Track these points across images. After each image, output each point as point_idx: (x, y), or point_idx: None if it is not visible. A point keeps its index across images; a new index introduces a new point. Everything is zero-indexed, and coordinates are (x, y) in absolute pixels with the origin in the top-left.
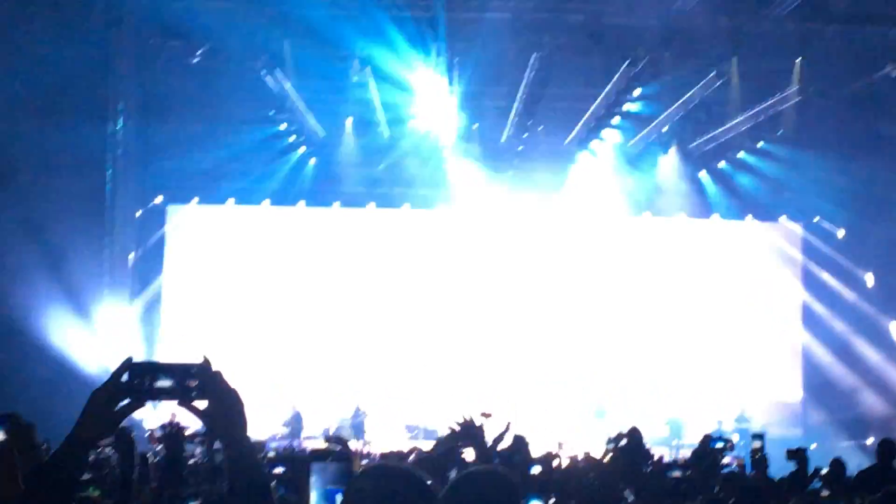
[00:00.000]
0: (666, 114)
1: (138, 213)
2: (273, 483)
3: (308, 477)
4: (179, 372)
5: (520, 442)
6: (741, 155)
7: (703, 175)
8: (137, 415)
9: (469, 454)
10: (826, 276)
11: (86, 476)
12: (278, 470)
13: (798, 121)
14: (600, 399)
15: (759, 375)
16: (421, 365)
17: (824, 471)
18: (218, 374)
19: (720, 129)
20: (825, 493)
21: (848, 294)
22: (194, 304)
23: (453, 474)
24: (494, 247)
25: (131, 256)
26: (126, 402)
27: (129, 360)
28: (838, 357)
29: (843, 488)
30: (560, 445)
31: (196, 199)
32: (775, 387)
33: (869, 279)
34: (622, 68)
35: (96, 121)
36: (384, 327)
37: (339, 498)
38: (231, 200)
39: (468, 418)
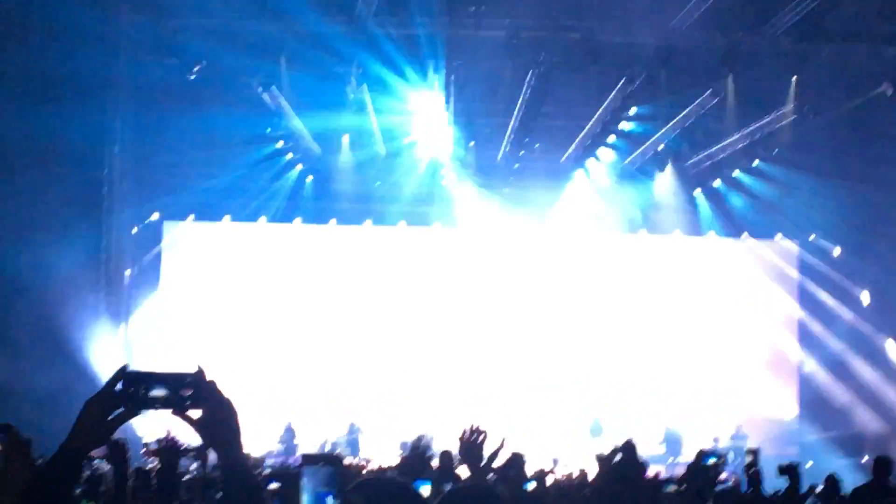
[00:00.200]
0: (662, 132)
1: (135, 230)
2: (268, 496)
3: (299, 483)
4: (173, 381)
5: (516, 459)
6: (737, 173)
7: (699, 193)
8: (134, 428)
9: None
10: (822, 294)
11: (80, 489)
12: (273, 486)
13: (794, 139)
14: (597, 415)
15: (755, 393)
16: (417, 381)
17: (819, 488)
18: (212, 383)
19: (716, 148)
20: None
21: (844, 312)
22: (190, 321)
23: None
24: (491, 264)
25: (127, 273)
26: (120, 411)
27: (123, 368)
28: (834, 375)
29: None
30: (555, 462)
31: (192, 217)
32: (771, 404)
33: (865, 297)
34: (618, 86)
35: (93, 137)
36: (380, 344)
37: (329, 500)
38: (227, 217)
39: (471, 433)
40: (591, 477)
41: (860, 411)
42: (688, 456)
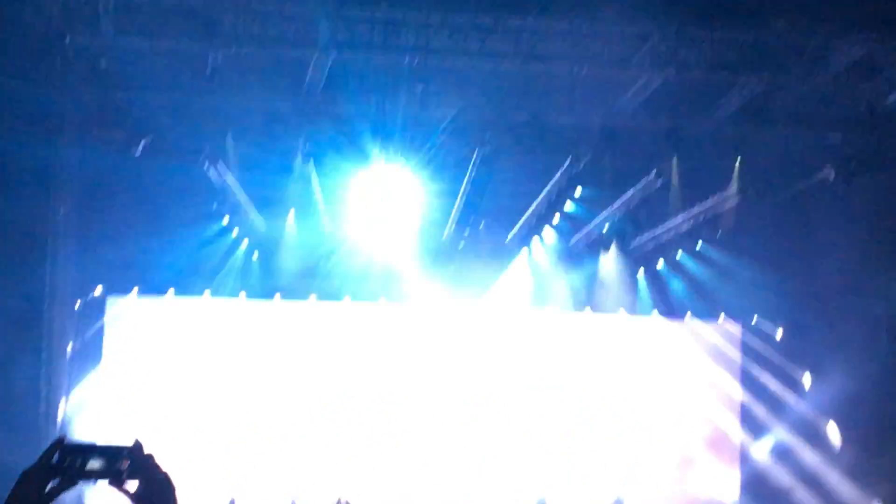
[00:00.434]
0: (606, 212)
1: (77, 305)
2: None
3: None
4: (111, 453)
5: None
6: (681, 254)
7: (643, 274)
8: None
9: None
10: (765, 377)
11: None
12: None
13: (737, 221)
14: (542, 494)
15: (696, 475)
16: (361, 460)
17: None
18: (150, 456)
19: (660, 229)
20: None
21: (786, 395)
22: (132, 396)
23: None
24: (436, 341)
25: (69, 347)
26: (56, 482)
27: (59, 439)
28: (776, 458)
29: None
30: None
31: (136, 291)
32: (713, 487)
33: (806, 380)
34: (564, 167)
35: (36, 210)
36: (325, 422)
37: None
38: (171, 292)
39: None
40: None
41: (802, 494)
42: None
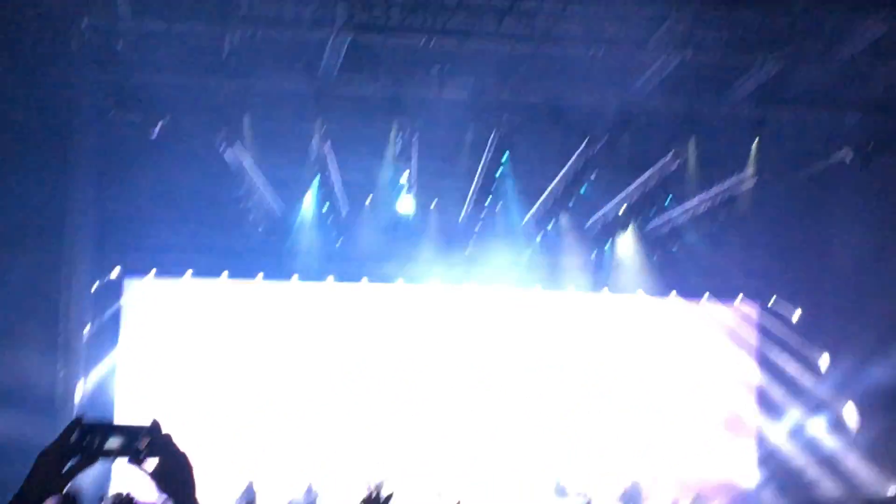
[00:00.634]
0: (623, 194)
1: (94, 287)
2: None
3: None
4: (129, 432)
5: None
6: (698, 235)
7: (660, 254)
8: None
9: None
10: (782, 359)
11: None
12: None
13: (754, 203)
14: (560, 477)
15: (714, 458)
16: (379, 440)
17: None
18: (168, 436)
19: (677, 211)
20: None
21: (803, 376)
22: (150, 377)
23: None
24: (455, 321)
25: (87, 330)
26: (75, 461)
27: (78, 419)
28: (793, 440)
29: None
30: None
31: (153, 273)
32: (730, 469)
33: (824, 361)
34: (580, 149)
35: (54, 193)
36: (343, 401)
37: None
38: (189, 273)
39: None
40: None
41: (818, 477)
42: None
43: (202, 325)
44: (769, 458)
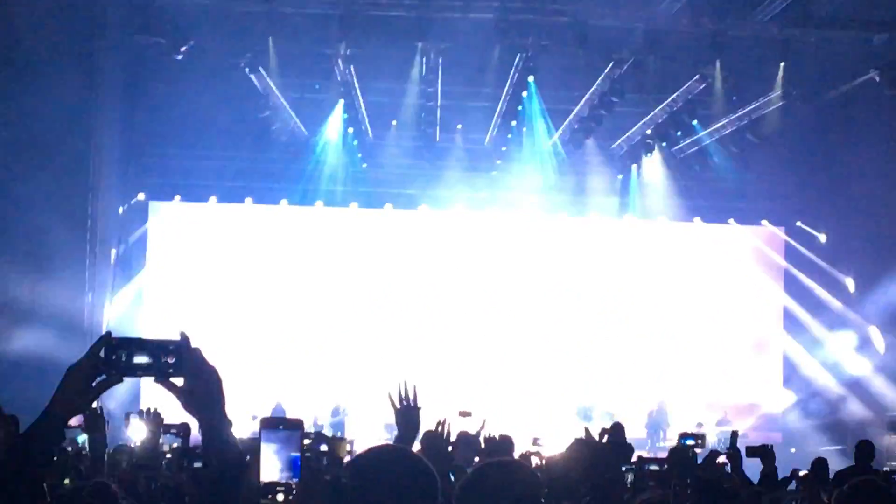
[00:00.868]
0: (649, 116)
1: (121, 210)
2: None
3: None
4: (157, 348)
5: (505, 442)
6: (724, 158)
7: (686, 178)
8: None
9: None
10: (808, 281)
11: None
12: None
13: (781, 125)
14: (584, 400)
15: (739, 380)
16: (402, 363)
17: (802, 472)
18: (196, 350)
19: (703, 133)
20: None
21: (829, 299)
22: (176, 301)
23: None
24: (478, 247)
25: (113, 252)
26: (103, 377)
27: (106, 335)
28: (819, 362)
29: (824, 488)
30: (535, 441)
31: (178, 197)
32: (756, 391)
33: (850, 284)
34: (606, 70)
35: (79, 115)
36: (366, 325)
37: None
38: (213, 199)
39: (438, 425)
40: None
41: (844, 398)
42: (671, 440)
43: (227, 250)
44: (795, 380)
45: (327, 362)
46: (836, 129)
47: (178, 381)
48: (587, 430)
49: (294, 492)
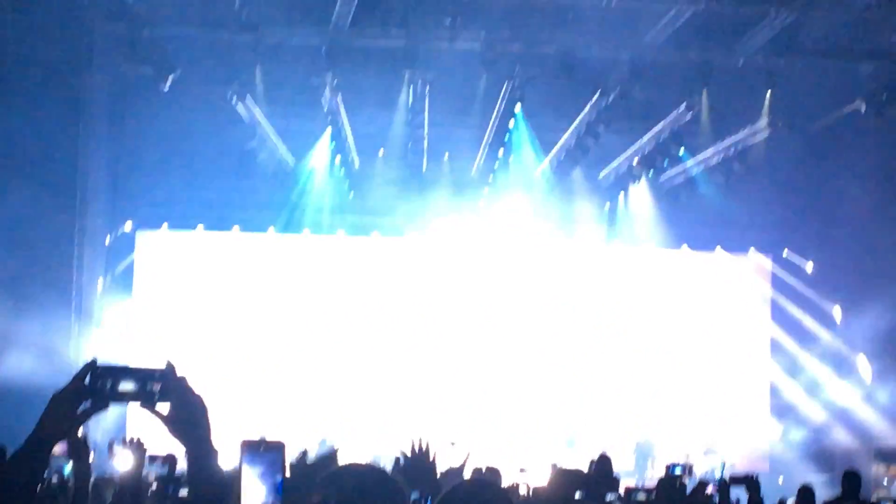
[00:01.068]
0: (636, 145)
1: (108, 239)
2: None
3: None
4: (142, 375)
5: (492, 474)
6: (710, 187)
7: (673, 206)
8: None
9: None
10: (795, 310)
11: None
12: None
13: (767, 154)
14: (571, 429)
15: (726, 409)
16: (388, 393)
17: (790, 501)
18: (182, 379)
19: (690, 162)
20: None
21: (816, 327)
22: (163, 330)
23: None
24: (465, 275)
25: (100, 283)
26: (88, 404)
27: (92, 362)
28: (806, 391)
29: None
30: (521, 471)
31: (166, 226)
32: (742, 420)
33: (837, 313)
34: (593, 100)
35: (66, 147)
36: (352, 355)
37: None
38: (201, 227)
39: (419, 447)
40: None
41: (831, 428)
42: (658, 470)
43: (214, 278)
44: (781, 409)
45: (313, 391)
46: (822, 157)
47: (164, 409)
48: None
49: None
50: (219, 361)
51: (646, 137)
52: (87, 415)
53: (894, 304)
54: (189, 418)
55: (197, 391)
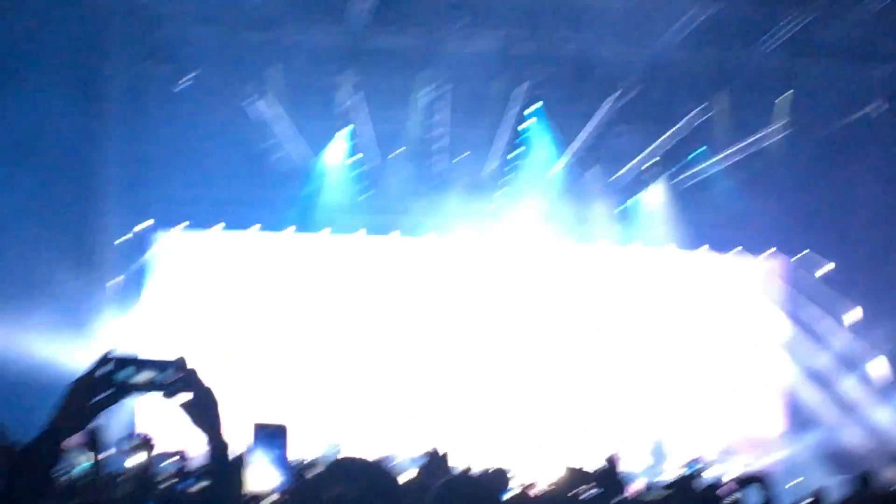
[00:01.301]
0: (654, 145)
1: (124, 239)
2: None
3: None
4: (155, 366)
5: (499, 475)
6: (729, 188)
7: (691, 207)
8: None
9: None
10: (811, 311)
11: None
12: None
13: (785, 155)
14: (584, 429)
15: (742, 410)
16: (405, 395)
17: (806, 502)
18: (194, 371)
19: (708, 163)
20: None
21: (835, 328)
22: (179, 329)
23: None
24: (482, 275)
25: (116, 282)
26: (103, 394)
27: (107, 353)
28: (822, 392)
29: None
30: (533, 471)
31: (183, 225)
32: (758, 424)
33: (856, 314)
34: (610, 100)
35: (83, 145)
36: (368, 356)
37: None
38: (219, 226)
39: (432, 450)
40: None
41: (847, 429)
42: (672, 470)
43: (233, 277)
44: (798, 413)
45: (331, 393)
46: (841, 158)
47: (177, 399)
48: (572, 467)
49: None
50: (235, 363)
51: (663, 138)
52: (101, 406)
53: None
54: (203, 409)
55: (208, 384)
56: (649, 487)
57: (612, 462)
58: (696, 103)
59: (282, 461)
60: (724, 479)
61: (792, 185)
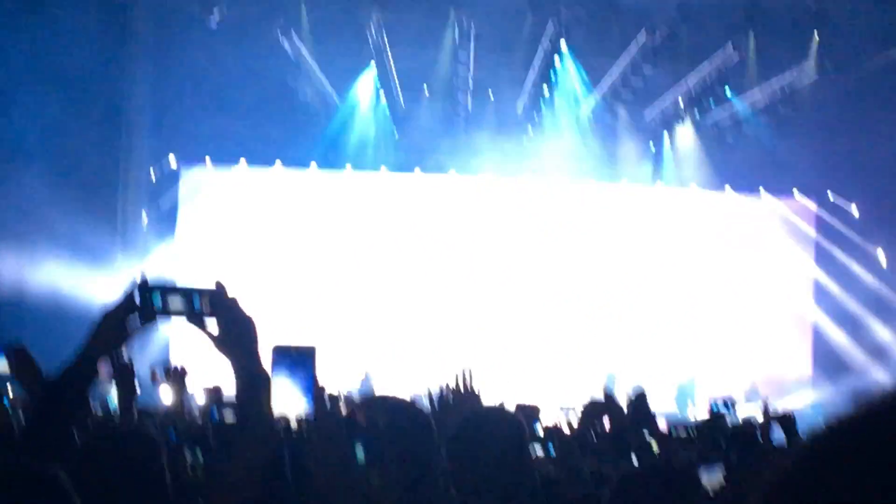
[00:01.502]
0: (682, 85)
1: (151, 175)
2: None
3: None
4: (191, 292)
5: (531, 410)
6: (756, 128)
7: (717, 147)
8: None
9: None
10: (839, 253)
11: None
12: None
13: (814, 95)
14: (612, 369)
15: (769, 351)
16: (430, 331)
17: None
18: (233, 299)
19: (736, 102)
20: None
21: (861, 271)
22: (207, 265)
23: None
24: (507, 213)
25: (144, 217)
26: (137, 320)
27: (140, 278)
28: (849, 334)
29: None
30: (562, 409)
31: (209, 161)
32: (785, 363)
33: (881, 257)
34: (639, 39)
35: (111, 81)
36: (394, 292)
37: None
38: (243, 162)
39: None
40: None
41: (874, 371)
42: (700, 410)
43: (257, 215)
44: (824, 352)
45: (355, 329)
46: (870, 100)
47: (212, 326)
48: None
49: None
50: (260, 300)
51: (692, 78)
52: (135, 329)
53: None
54: (237, 337)
55: (247, 312)
56: (676, 426)
57: (638, 398)
58: (725, 43)
59: (308, 387)
60: (753, 419)
61: (819, 126)
